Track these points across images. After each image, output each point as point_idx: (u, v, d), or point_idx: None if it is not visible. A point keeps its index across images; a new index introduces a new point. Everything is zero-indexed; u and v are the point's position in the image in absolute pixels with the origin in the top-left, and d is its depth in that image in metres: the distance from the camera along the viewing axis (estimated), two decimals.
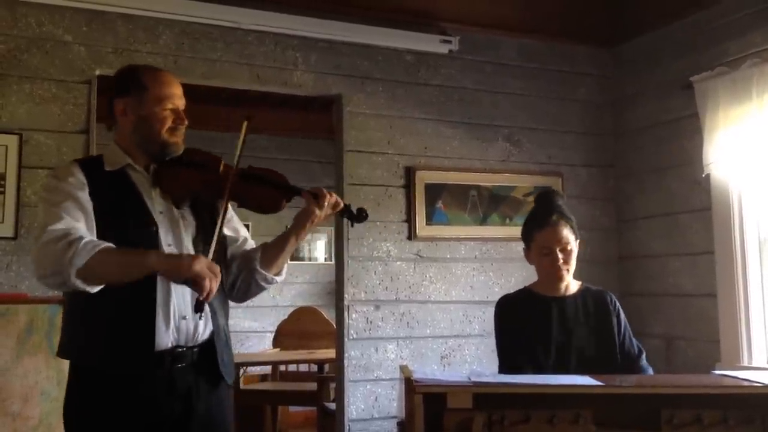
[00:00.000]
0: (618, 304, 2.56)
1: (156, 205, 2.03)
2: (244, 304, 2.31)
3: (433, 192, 3.94)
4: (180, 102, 2.08)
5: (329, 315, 5.50)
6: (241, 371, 5.32)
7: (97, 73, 3.36)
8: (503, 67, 4.20)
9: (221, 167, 2.08)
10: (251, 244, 2.25)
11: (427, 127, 3.99)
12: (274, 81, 3.72)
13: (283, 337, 5.87)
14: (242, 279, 2.19)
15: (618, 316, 2.53)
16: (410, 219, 3.89)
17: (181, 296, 1.97)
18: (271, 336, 6.07)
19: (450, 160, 4.02)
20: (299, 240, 2.20)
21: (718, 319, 3.63)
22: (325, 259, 7.14)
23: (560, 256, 2.46)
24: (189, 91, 2.16)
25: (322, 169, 6.42)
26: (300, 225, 2.15)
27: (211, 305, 2.01)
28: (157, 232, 1.99)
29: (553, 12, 4.11)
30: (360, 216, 2.17)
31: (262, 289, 2.21)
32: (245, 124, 2.09)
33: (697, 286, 3.80)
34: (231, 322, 2.20)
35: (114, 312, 1.92)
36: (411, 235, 3.88)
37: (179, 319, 1.97)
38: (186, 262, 1.85)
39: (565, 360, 2.41)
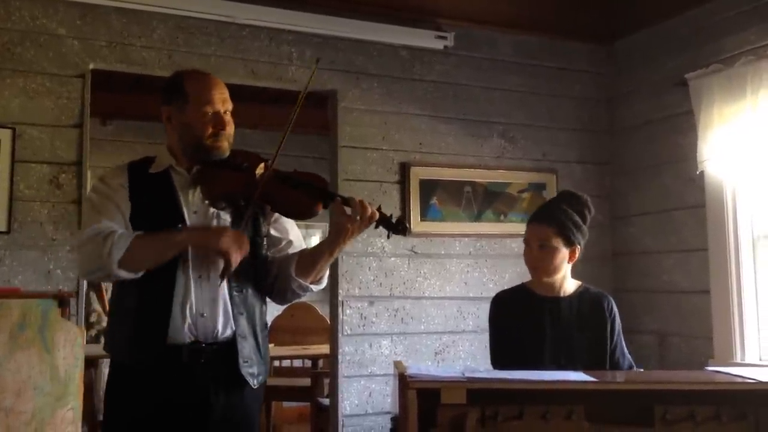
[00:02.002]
0: (615, 310, 2.53)
1: (191, 204, 2.08)
2: None
3: (428, 188, 3.94)
4: (221, 105, 2.08)
5: (323, 311, 5.48)
6: None
7: (91, 66, 3.35)
8: (499, 63, 4.20)
9: (259, 169, 2.07)
10: (297, 247, 2.22)
11: (422, 123, 3.99)
12: (268, 76, 3.71)
13: (277, 332, 5.85)
14: (279, 283, 2.17)
15: (613, 324, 2.50)
16: (405, 215, 3.88)
17: (200, 293, 2.00)
18: None
19: (445, 156, 4.02)
20: (334, 254, 2.11)
21: (711, 315, 3.65)
22: None
23: (535, 252, 2.46)
24: None
25: (317, 164, 6.40)
26: (333, 240, 2.06)
27: (235, 305, 2.04)
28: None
29: (549, 8, 4.11)
30: (398, 227, 2.01)
31: (298, 295, 2.17)
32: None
33: (690, 283, 3.81)
34: None
35: (134, 307, 2.02)
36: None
37: (197, 315, 2.00)
38: (213, 237, 1.95)
39: (557, 362, 2.39)
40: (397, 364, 2.13)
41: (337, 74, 3.83)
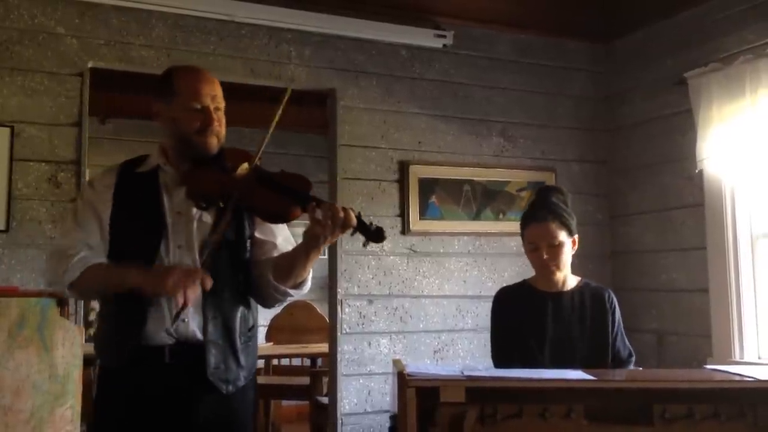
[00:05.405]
0: (615, 302, 2.56)
1: (176, 205, 2.03)
2: None
3: (427, 186, 3.94)
4: (210, 101, 2.02)
5: (322, 309, 5.48)
6: None
7: (90, 65, 3.35)
8: (497, 62, 4.20)
9: (242, 169, 2.00)
10: (282, 250, 2.12)
11: (421, 122, 3.99)
12: (267, 75, 3.71)
13: (276, 331, 5.87)
14: (260, 286, 2.09)
15: (613, 315, 2.53)
16: (404, 213, 3.89)
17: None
18: (264, 330, 6.06)
19: (444, 155, 4.02)
20: (310, 259, 1.98)
21: (710, 314, 3.65)
22: None
23: (545, 252, 2.46)
24: None
25: (316, 163, 6.39)
26: (306, 245, 1.95)
27: (208, 310, 1.99)
28: (161, 234, 2.00)
29: (548, 7, 4.11)
30: (375, 235, 1.88)
31: (278, 300, 2.08)
32: (288, 93, 2.08)
33: (689, 282, 3.81)
34: None
35: (113, 309, 2.03)
36: (404, 230, 3.88)
37: (178, 320, 1.96)
38: (161, 280, 1.87)
39: (559, 357, 2.41)
40: (396, 363, 2.13)
41: (337, 73, 3.83)
